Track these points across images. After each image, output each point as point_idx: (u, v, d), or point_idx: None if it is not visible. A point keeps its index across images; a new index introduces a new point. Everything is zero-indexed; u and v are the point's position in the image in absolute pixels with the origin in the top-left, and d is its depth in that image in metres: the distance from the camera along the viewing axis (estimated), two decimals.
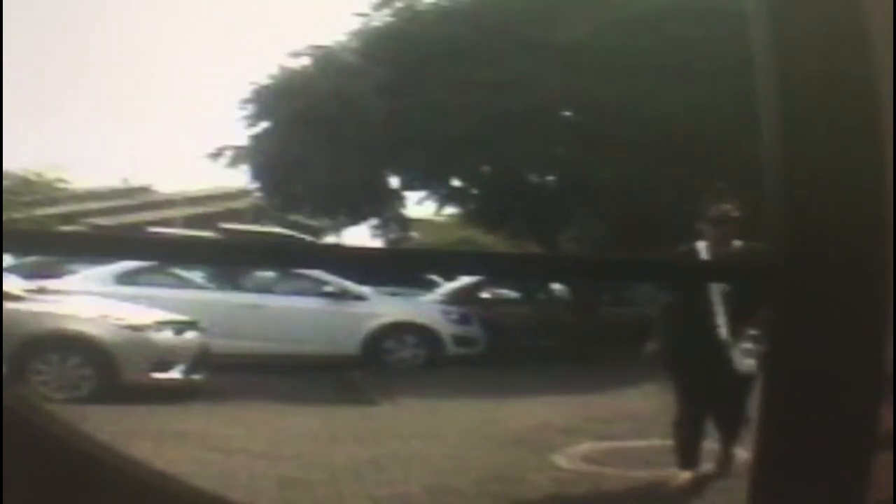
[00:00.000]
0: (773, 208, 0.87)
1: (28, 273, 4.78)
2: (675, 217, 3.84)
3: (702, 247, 2.57)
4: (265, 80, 6.42)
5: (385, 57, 5.81)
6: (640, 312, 4.80)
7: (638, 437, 3.62)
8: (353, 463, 3.38)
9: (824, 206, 0.86)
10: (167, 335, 4.52)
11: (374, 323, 5.96)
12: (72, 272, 5.65)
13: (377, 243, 7.30)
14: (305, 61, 6.44)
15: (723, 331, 2.54)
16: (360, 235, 7.18)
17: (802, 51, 0.86)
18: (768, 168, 0.87)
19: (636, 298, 5.82)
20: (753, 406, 2.16)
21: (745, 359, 2.50)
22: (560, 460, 3.37)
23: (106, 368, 4.29)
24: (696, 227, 2.60)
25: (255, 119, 6.51)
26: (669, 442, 2.94)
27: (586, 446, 3.46)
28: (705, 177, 4.05)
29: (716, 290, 2.59)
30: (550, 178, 6.55)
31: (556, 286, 6.82)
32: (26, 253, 3.73)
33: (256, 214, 7.73)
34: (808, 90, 0.87)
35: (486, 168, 6.31)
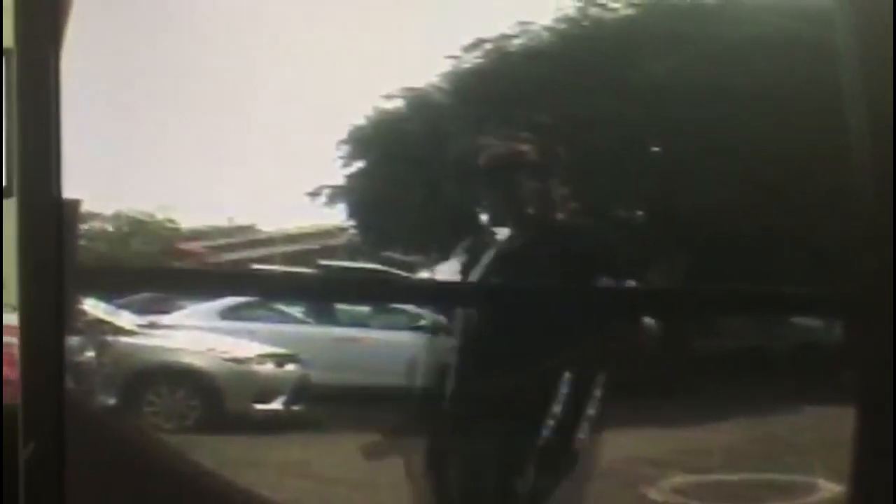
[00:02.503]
0: (864, 239, 0.89)
1: (140, 309, 5.02)
2: (765, 249, 3.88)
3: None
4: (361, 122, 6.63)
5: (475, 97, 5.95)
6: (730, 345, 4.82)
7: (728, 471, 3.63)
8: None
9: None
10: (269, 368, 4.69)
11: None
12: (180, 307, 5.90)
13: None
14: (399, 103, 6.63)
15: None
16: (451, 270, 7.27)
17: (892, 81, 0.88)
18: (860, 200, 0.89)
19: (727, 331, 5.82)
20: None
21: None
22: (650, 493, 3.40)
23: (211, 399, 4.49)
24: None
25: (350, 159, 6.72)
26: (761, 476, 2.96)
27: (677, 479, 3.47)
28: (794, 211, 4.08)
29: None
30: (639, 212, 6.60)
31: (646, 318, 6.81)
32: (138, 290, 3.95)
33: (352, 251, 7.92)
34: None
35: (573, 204, 6.39)
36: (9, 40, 1.95)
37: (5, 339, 3.39)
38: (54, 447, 1.61)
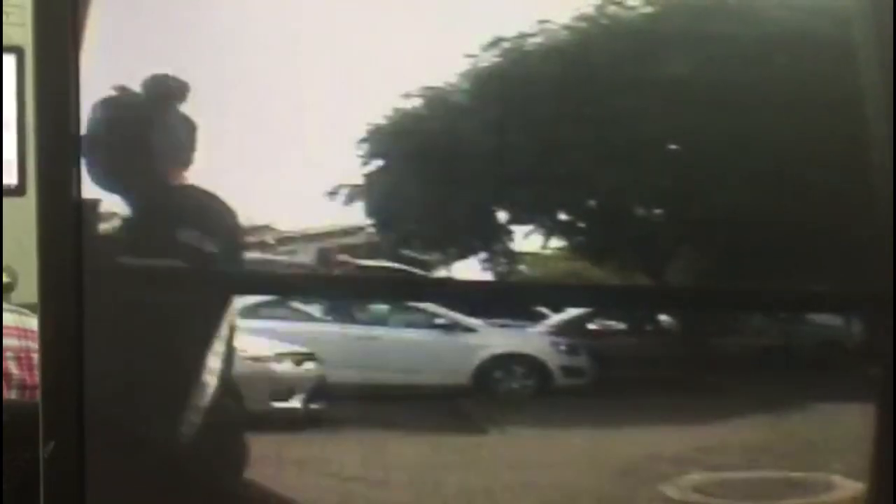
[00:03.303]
0: (886, 237, 0.90)
1: None
2: (787, 249, 3.86)
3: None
4: (379, 121, 6.63)
5: (493, 96, 5.96)
6: (749, 343, 4.82)
7: (749, 468, 3.64)
8: (465, 490, 3.49)
9: None
10: (287, 366, 4.71)
11: (485, 354, 6.07)
12: None
13: (486, 276, 7.43)
14: (417, 102, 6.63)
15: None
16: (470, 269, 7.31)
17: None
18: (878, 199, 0.91)
19: (746, 328, 5.81)
20: None
21: None
22: (670, 491, 3.41)
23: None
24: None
25: (369, 158, 6.73)
26: (781, 473, 2.96)
27: (696, 477, 3.47)
28: (814, 208, 4.08)
29: None
30: (657, 210, 6.59)
31: (665, 316, 6.84)
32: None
33: (371, 250, 7.95)
34: None
35: (591, 202, 6.41)
36: (27, 38, 1.96)
37: (27, 343, 3.40)
38: (74, 445, 1.62)
